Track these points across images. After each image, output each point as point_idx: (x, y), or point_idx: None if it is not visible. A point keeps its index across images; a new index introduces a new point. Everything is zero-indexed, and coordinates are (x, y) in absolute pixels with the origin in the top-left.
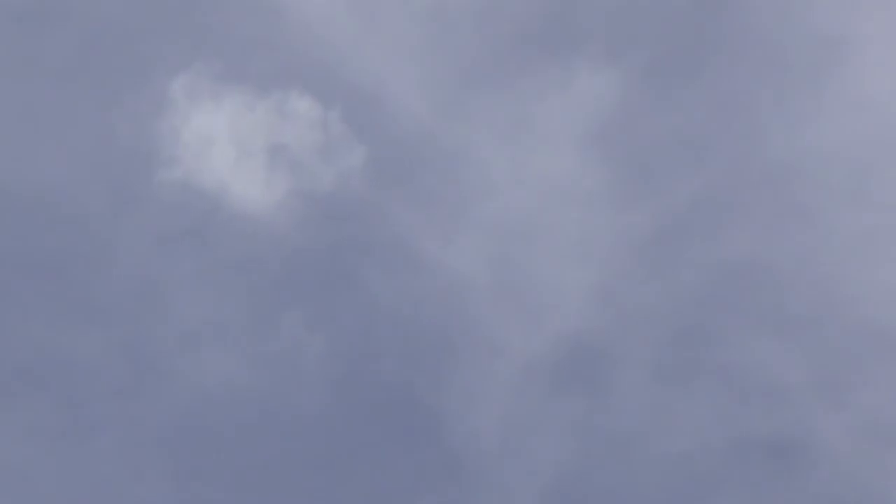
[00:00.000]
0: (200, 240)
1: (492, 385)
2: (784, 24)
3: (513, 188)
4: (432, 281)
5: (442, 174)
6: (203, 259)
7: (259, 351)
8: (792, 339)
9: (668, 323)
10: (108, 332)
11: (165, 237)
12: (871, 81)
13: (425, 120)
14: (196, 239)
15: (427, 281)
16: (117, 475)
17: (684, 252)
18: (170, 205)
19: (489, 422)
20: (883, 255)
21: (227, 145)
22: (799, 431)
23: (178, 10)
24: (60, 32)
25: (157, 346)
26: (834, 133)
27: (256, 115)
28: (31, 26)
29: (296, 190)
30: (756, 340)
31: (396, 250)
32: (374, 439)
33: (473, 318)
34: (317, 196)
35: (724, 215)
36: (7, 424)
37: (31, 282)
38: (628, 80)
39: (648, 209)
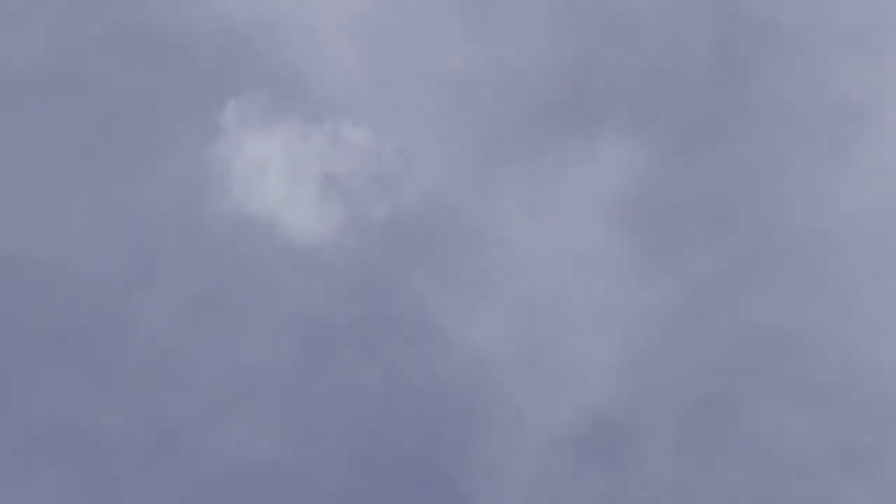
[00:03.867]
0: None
1: (515, 458)
2: (807, 92)
3: (536, 261)
4: (455, 354)
5: (464, 247)
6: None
7: (284, 421)
8: (818, 410)
9: (692, 395)
10: (131, 401)
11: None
12: (894, 148)
13: (447, 192)
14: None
15: (450, 354)
16: None
17: (709, 323)
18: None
19: (512, 495)
20: None
21: (280, 174)
22: (825, 502)
23: (230, 38)
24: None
25: (181, 415)
26: (859, 200)
27: (309, 144)
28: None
29: (349, 220)
30: (782, 411)
31: (419, 323)
32: None
33: (497, 391)
34: (369, 227)
35: (750, 285)
36: (29, 496)
37: (54, 350)
38: (652, 151)
39: (673, 281)
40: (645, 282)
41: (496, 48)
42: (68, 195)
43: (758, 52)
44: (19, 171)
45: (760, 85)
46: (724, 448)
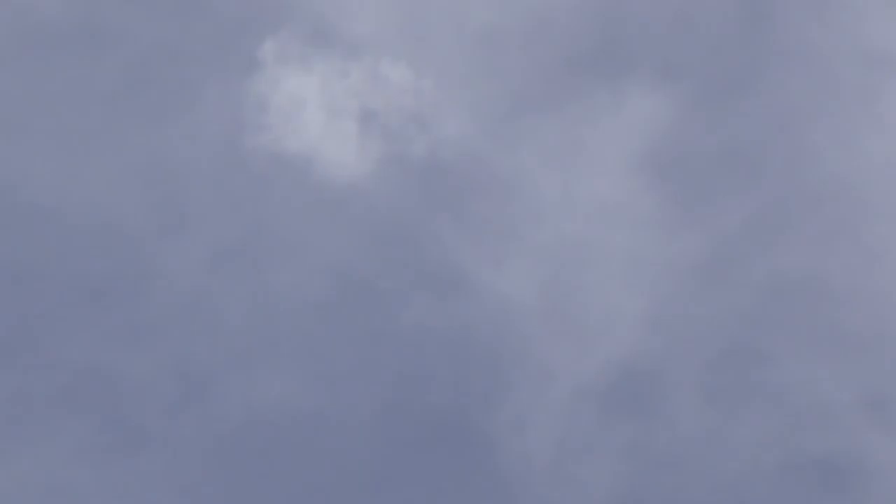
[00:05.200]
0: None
1: (543, 409)
2: (835, 42)
3: (563, 212)
4: (482, 303)
5: (491, 198)
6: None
7: (310, 370)
8: (845, 359)
9: (719, 345)
10: (157, 349)
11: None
12: None
13: (474, 143)
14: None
15: (477, 303)
16: (165, 495)
17: (736, 273)
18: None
19: (540, 446)
20: None
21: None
22: (852, 452)
23: None
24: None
25: (207, 364)
26: (887, 149)
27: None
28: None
29: (387, 157)
30: (809, 360)
31: (446, 274)
32: (423, 463)
33: (523, 342)
34: (407, 165)
35: (777, 235)
36: (54, 446)
37: (80, 298)
38: (679, 101)
39: (700, 231)
40: (672, 232)
41: None
42: (101, 140)
43: (786, 1)
44: (47, 119)
45: (789, 35)
46: (751, 398)
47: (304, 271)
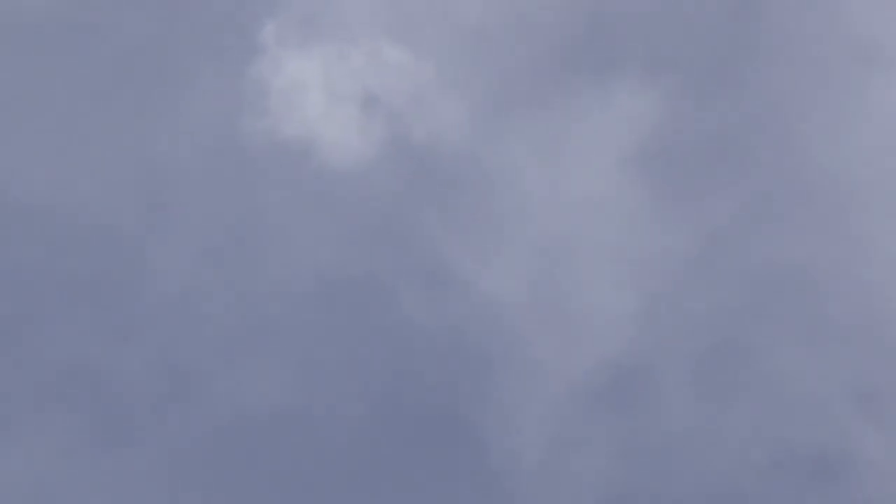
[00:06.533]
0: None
1: (532, 405)
2: (823, 34)
3: (552, 208)
4: (472, 300)
5: (481, 194)
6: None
7: (299, 365)
8: (836, 352)
9: (709, 339)
10: (145, 345)
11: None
12: None
13: (463, 141)
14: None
15: (466, 300)
16: (154, 491)
17: (726, 267)
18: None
19: (530, 442)
20: None
21: (319, 94)
22: (843, 445)
23: None
24: None
25: (196, 359)
26: (875, 142)
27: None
28: None
29: (386, 141)
30: (799, 353)
31: (434, 270)
32: (413, 459)
33: (513, 338)
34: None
35: (766, 228)
36: (41, 443)
37: (70, 295)
38: (667, 95)
39: (689, 226)
40: (661, 227)
41: None
42: (92, 133)
43: None
44: (37, 114)
45: (776, 28)
46: (742, 392)
47: (292, 267)
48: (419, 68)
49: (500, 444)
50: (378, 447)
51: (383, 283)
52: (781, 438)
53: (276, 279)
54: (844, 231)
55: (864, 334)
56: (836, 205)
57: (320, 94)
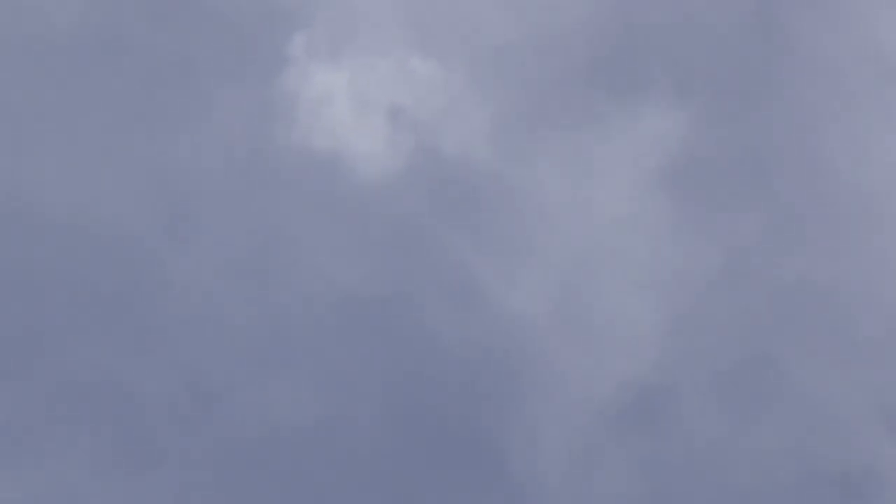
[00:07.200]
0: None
1: (556, 422)
2: (848, 52)
3: (578, 224)
4: (496, 317)
5: (506, 211)
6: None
7: (324, 380)
8: (861, 370)
9: (734, 356)
10: (167, 360)
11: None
12: None
13: (490, 157)
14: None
15: (491, 317)
16: None
17: (751, 284)
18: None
19: (554, 459)
20: None
21: (347, 105)
22: (869, 463)
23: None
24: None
25: (220, 375)
26: None
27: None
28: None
29: (416, 153)
30: (825, 371)
31: (459, 286)
32: (436, 474)
33: (538, 355)
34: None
35: (792, 245)
36: (67, 456)
37: (88, 310)
38: (693, 113)
39: (714, 243)
40: (687, 245)
41: (533, 13)
42: (118, 146)
43: (799, 11)
44: (63, 128)
45: (802, 46)
46: (767, 409)
47: (317, 281)
48: (448, 81)
49: (524, 460)
50: (401, 462)
51: (408, 298)
52: (806, 456)
53: (300, 293)
54: (870, 248)
55: (891, 352)
56: (862, 222)
57: (348, 106)
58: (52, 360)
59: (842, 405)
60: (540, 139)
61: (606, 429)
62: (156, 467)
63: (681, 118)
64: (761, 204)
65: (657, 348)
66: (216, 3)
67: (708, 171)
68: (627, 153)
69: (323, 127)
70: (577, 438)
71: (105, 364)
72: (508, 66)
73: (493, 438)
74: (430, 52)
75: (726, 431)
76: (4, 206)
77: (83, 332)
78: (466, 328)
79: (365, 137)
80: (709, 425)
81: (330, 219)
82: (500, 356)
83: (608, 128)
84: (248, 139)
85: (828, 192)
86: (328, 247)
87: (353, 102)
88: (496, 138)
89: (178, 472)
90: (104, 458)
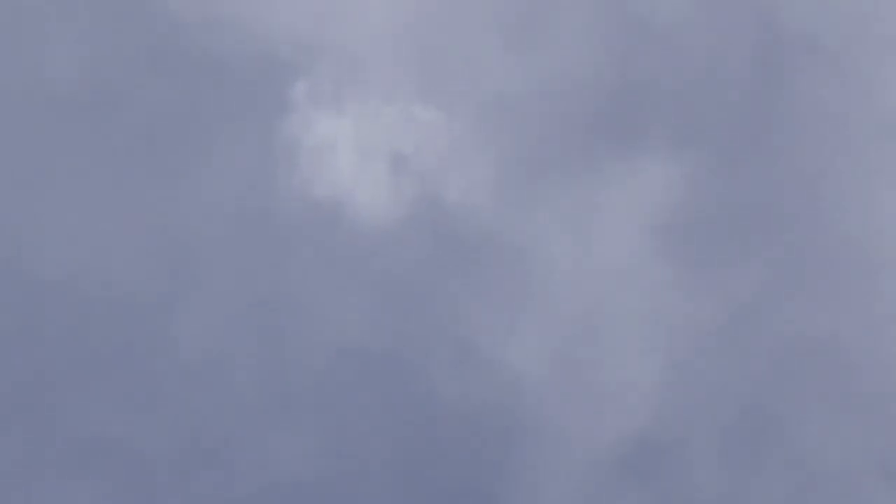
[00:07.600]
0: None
1: (557, 477)
2: (849, 105)
3: (578, 276)
4: (495, 372)
5: (505, 264)
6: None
7: (323, 435)
8: (863, 425)
9: (735, 410)
10: (169, 415)
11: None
12: None
13: (491, 207)
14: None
15: (490, 372)
16: None
17: (753, 337)
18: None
19: None
20: None
21: (349, 153)
22: None
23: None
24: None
25: (220, 428)
26: None
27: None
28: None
29: (418, 201)
30: (827, 426)
31: (457, 342)
32: None
33: (538, 410)
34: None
35: (793, 299)
36: None
37: (90, 364)
38: (693, 166)
39: (715, 296)
40: (687, 297)
41: (535, 64)
42: (116, 199)
43: (798, 64)
44: (59, 183)
45: (804, 99)
46: (768, 463)
47: (319, 336)
48: (450, 130)
49: None
50: None
51: (408, 352)
52: None
53: (302, 348)
54: (873, 302)
55: (892, 407)
56: (864, 276)
57: (351, 154)
58: (53, 416)
59: (843, 461)
60: (541, 189)
61: (607, 483)
62: None
63: (682, 171)
64: (761, 258)
65: (657, 403)
66: (217, 51)
67: (708, 224)
68: (628, 205)
69: (325, 175)
70: (577, 493)
71: (106, 419)
72: (511, 116)
73: (493, 494)
74: (433, 101)
75: (726, 486)
76: (5, 262)
77: (84, 388)
78: (467, 382)
79: (367, 185)
80: (709, 480)
81: (331, 269)
82: (501, 410)
83: (609, 178)
84: (250, 188)
85: (828, 247)
86: (329, 299)
87: (355, 150)
88: (498, 187)
89: None
90: None
